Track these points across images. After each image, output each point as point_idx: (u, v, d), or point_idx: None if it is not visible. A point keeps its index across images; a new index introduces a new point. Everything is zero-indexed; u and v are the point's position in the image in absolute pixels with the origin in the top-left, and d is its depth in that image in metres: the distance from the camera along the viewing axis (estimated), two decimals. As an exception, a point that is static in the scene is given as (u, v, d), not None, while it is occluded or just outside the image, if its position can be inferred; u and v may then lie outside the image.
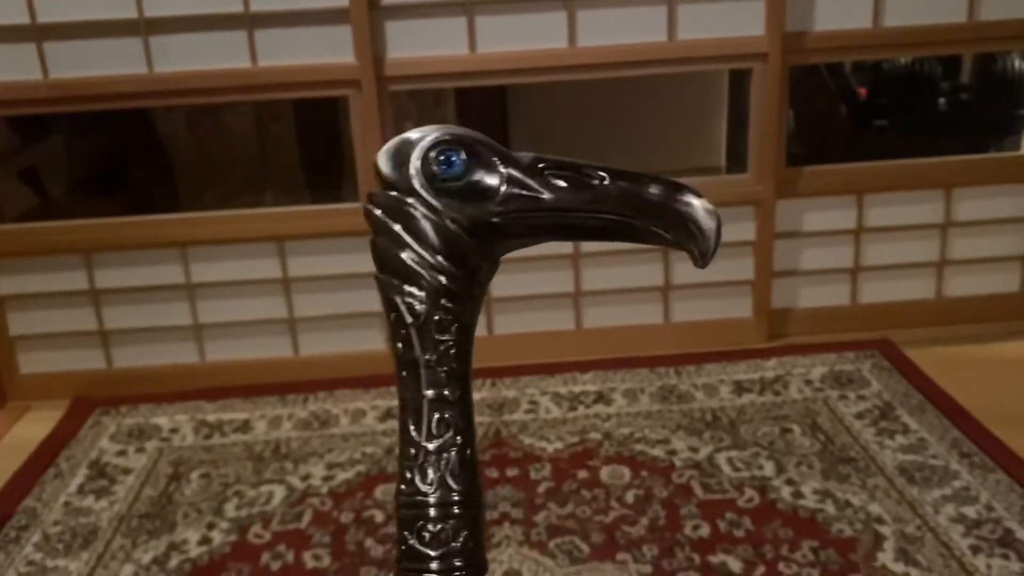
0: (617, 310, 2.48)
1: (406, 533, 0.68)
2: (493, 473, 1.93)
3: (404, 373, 0.70)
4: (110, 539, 1.80)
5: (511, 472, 1.93)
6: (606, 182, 0.65)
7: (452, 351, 0.69)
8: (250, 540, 1.77)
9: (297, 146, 3.46)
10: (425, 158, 0.67)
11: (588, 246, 2.41)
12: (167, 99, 2.28)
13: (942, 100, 3.38)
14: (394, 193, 0.68)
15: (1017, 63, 3.25)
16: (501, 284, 2.44)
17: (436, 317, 0.68)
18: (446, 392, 0.68)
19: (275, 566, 1.69)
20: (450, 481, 0.67)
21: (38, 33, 2.18)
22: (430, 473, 0.67)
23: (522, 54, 2.25)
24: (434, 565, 0.67)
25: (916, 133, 3.35)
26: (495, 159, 0.67)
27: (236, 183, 3.47)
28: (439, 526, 0.67)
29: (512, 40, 2.25)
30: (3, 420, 2.32)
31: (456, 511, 0.68)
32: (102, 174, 3.35)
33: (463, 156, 0.67)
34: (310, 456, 2.05)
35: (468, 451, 0.68)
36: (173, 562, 1.71)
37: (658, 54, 2.28)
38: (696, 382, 2.28)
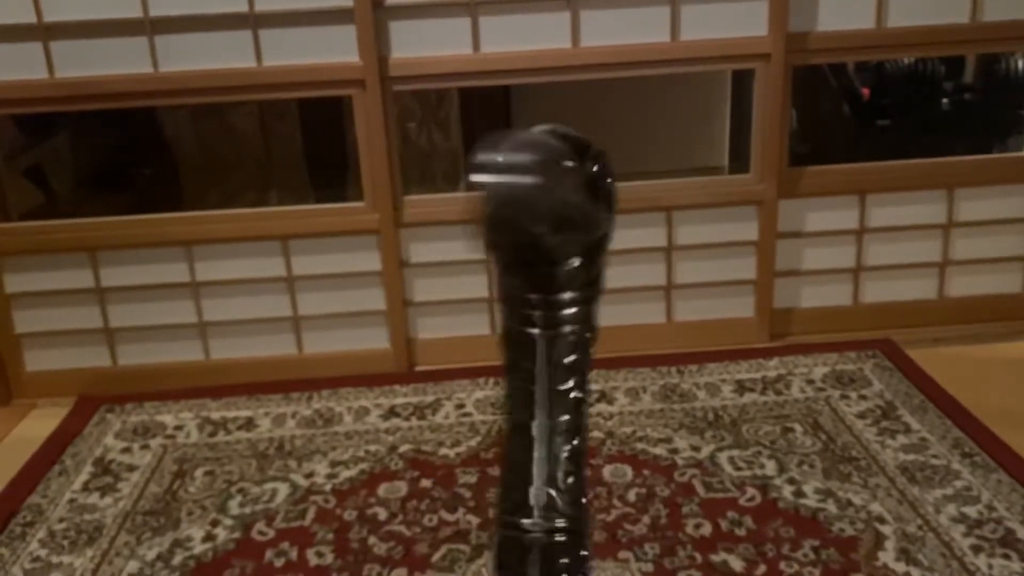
0: (619, 309, 2.49)
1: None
2: (496, 471, 1.93)
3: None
4: (115, 536, 1.80)
5: (514, 470, 1.93)
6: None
7: (523, 370, 0.64)
8: (254, 537, 1.77)
9: (301, 145, 3.46)
10: None
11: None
12: (172, 98, 2.29)
13: (945, 100, 3.38)
14: None
15: (1020, 63, 3.25)
16: (504, 283, 2.44)
17: (514, 333, 0.65)
18: (520, 416, 0.63)
19: (279, 563, 1.70)
20: (508, 507, 0.64)
21: (44, 32, 2.19)
22: (499, 491, 0.65)
23: (526, 54, 2.26)
24: None
25: (919, 133, 3.35)
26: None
27: (240, 182, 3.47)
28: (500, 551, 0.64)
29: (516, 40, 2.26)
30: (9, 417, 2.34)
31: (515, 535, 0.64)
32: (107, 173, 3.36)
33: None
34: (314, 454, 2.06)
35: (521, 482, 0.62)
36: (177, 559, 1.72)
37: (661, 54, 2.28)
38: (698, 381, 2.28)
